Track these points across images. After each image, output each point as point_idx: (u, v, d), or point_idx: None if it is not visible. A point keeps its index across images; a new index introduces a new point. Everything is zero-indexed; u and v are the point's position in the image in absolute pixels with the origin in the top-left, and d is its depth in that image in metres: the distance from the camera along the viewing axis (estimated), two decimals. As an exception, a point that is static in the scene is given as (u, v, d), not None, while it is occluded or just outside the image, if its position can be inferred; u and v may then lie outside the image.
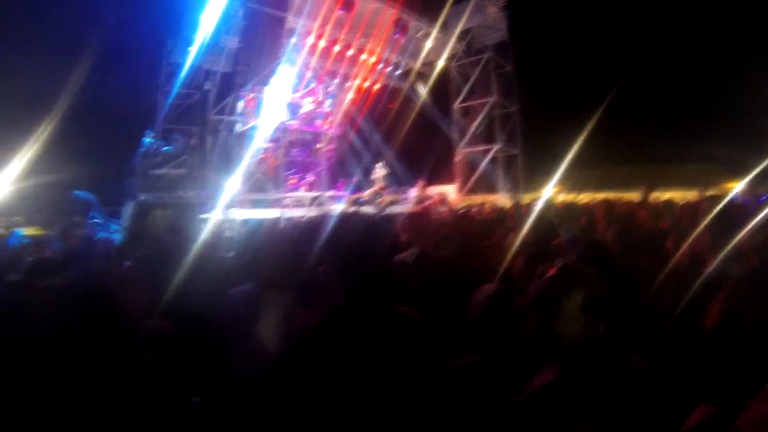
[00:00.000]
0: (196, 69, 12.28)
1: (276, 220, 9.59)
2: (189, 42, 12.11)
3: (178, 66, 12.05)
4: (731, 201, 7.55)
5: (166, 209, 9.06)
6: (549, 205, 7.52)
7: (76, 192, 9.86)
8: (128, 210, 9.39)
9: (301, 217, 9.35)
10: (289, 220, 9.13)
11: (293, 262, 2.54)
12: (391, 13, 14.09)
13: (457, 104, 17.53)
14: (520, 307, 2.01)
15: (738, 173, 13.58)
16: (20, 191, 9.64)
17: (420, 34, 15.21)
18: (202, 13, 11.90)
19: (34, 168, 9.00)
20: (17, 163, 9.00)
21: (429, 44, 15.42)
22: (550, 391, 1.62)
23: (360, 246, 1.96)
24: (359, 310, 1.87)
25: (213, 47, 12.23)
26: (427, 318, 2.00)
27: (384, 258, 2.21)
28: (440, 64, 16.44)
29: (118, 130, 10.75)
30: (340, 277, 1.96)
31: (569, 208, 9.14)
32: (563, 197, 14.21)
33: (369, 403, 1.71)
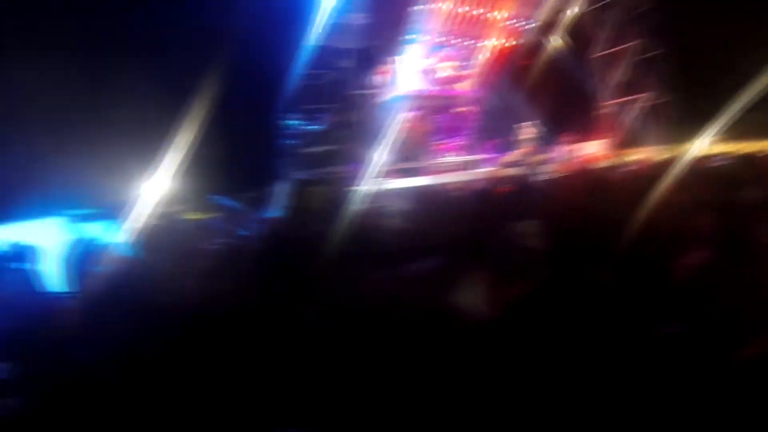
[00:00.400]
0: (328, 49, 12.51)
1: (440, 188, 9.16)
2: (317, 23, 12.37)
3: (310, 48, 12.37)
4: None
5: (322, 185, 9.13)
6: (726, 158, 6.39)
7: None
8: (282, 189, 9.62)
9: (467, 182, 8.89)
10: (457, 187, 8.69)
11: (479, 231, 2.48)
12: None
13: (597, 53, 16.12)
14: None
15: None
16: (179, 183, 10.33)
17: None
18: None
19: (188, 160, 9.63)
20: (174, 156, 9.64)
21: None
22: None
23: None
24: (565, 280, 1.80)
25: (343, 26, 12.36)
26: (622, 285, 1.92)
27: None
28: (575, 11, 15.25)
29: (258, 114, 11.26)
30: (540, 246, 1.98)
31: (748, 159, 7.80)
32: (726, 147, 12.52)
33: (584, 374, 1.64)
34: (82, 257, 3.33)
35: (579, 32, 15.80)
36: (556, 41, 15.50)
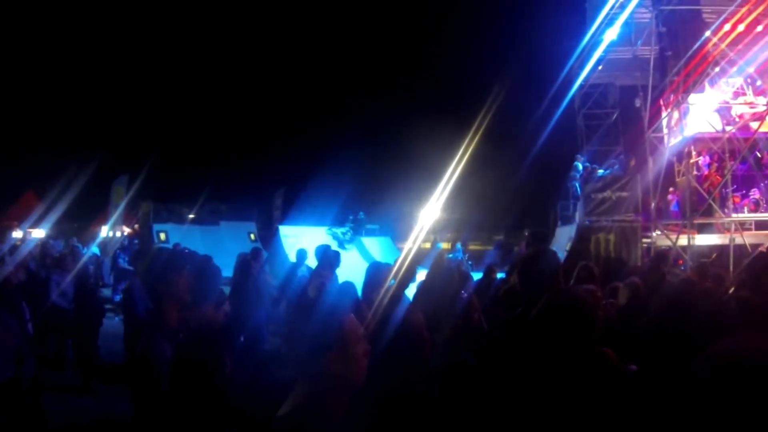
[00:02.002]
0: (609, 87, 12.05)
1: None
2: (597, 60, 12.02)
3: (591, 86, 12.05)
4: None
5: (608, 233, 8.91)
6: None
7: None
8: (567, 233, 9.60)
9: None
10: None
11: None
12: None
13: None
14: None
15: None
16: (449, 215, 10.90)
17: None
18: (609, 28, 11.68)
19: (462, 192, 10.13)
20: (445, 188, 10.22)
21: None
22: None
23: None
24: None
25: (629, 61, 11.80)
26: None
27: None
28: None
29: (543, 156, 11.38)
30: None
31: None
32: None
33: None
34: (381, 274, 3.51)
35: None
36: None
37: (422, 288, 4.00)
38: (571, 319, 2.09)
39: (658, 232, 9.28)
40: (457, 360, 3.11)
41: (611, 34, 11.93)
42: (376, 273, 3.29)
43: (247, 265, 6.42)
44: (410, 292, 3.67)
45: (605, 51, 11.93)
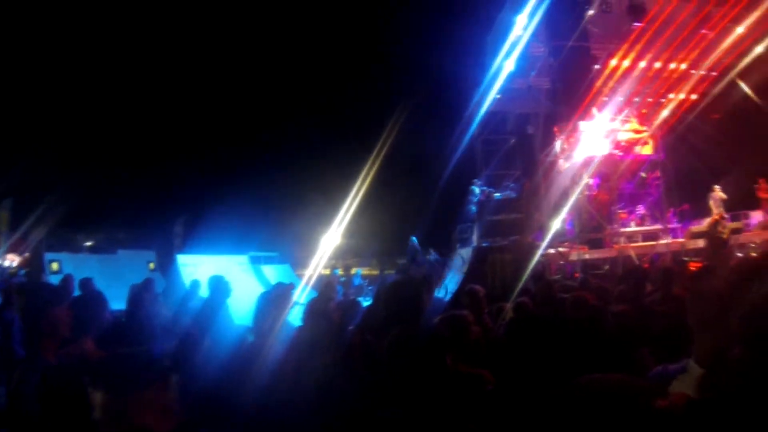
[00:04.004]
0: (507, 114, 12.63)
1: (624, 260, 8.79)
2: (497, 88, 12.60)
3: (489, 113, 12.59)
4: None
5: (504, 254, 9.15)
6: None
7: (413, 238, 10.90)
8: (463, 255, 9.78)
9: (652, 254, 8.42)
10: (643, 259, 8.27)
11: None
12: (690, 8, 12.69)
13: None
14: None
15: None
16: (351, 238, 10.94)
17: (729, 21, 13.00)
18: (506, 60, 12.32)
19: (362, 217, 10.22)
20: (346, 214, 10.26)
21: (741, 29, 12.94)
22: None
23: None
24: None
25: (526, 90, 12.47)
26: None
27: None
28: (758, 50, 13.35)
29: (440, 181, 11.68)
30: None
31: None
32: None
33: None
34: (275, 298, 3.58)
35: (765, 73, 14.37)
36: (743, 88, 14.12)
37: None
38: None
39: (552, 250, 9.70)
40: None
41: (509, 65, 12.58)
42: (269, 299, 3.36)
43: (138, 296, 6.11)
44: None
45: (504, 81, 12.60)
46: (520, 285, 6.76)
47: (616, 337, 3.32)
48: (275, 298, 3.46)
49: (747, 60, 13.78)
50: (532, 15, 12.05)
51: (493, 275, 8.92)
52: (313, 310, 3.59)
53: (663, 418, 1.71)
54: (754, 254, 9.57)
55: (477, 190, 10.54)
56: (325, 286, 6.70)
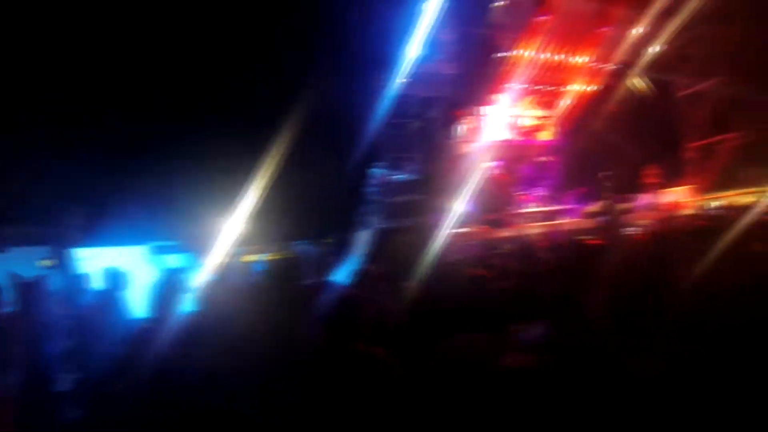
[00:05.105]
0: (412, 98, 12.75)
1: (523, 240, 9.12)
2: (404, 71, 12.66)
3: (398, 96, 12.63)
4: None
5: (405, 235, 9.22)
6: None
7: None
8: (365, 237, 9.80)
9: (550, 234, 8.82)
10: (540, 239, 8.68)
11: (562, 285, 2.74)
12: (593, 6, 13.46)
13: (681, 91, 15.67)
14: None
15: None
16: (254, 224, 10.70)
17: (627, 21, 14.10)
18: (413, 43, 12.41)
19: (267, 200, 10.00)
20: (250, 199, 10.02)
21: (639, 29, 14.07)
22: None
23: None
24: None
25: (430, 76, 12.60)
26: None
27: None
28: (656, 49, 14.84)
29: (343, 162, 11.56)
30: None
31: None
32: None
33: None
34: (167, 286, 3.62)
35: (663, 71, 15.45)
36: (638, 83, 15.31)
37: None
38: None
39: (455, 231, 9.92)
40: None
41: (416, 49, 12.66)
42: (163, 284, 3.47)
43: (28, 294, 5.73)
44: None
45: (411, 66, 12.70)
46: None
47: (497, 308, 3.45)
48: (166, 286, 3.50)
49: (643, 57, 14.82)
50: (440, 1, 12.23)
51: (394, 257, 8.98)
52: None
53: (507, 372, 1.75)
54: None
55: (378, 172, 10.59)
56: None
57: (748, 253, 3.44)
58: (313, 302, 2.80)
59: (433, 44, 12.79)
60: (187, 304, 3.60)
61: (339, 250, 9.60)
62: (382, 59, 12.61)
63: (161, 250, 13.85)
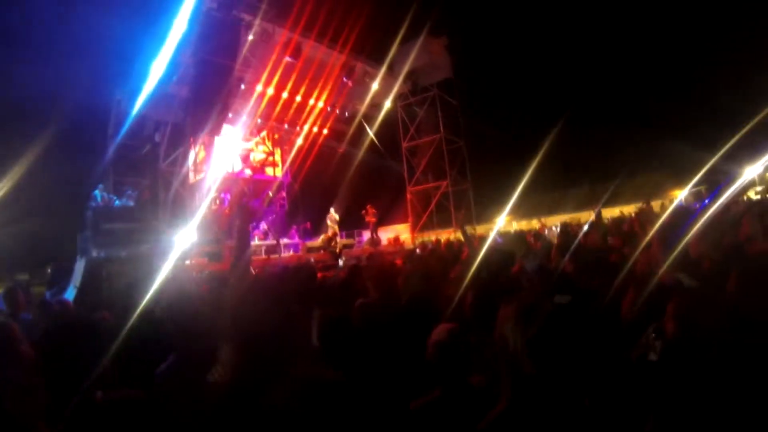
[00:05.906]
0: (145, 119, 12.00)
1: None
2: (138, 91, 11.83)
3: (128, 116, 11.76)
4: (678, 207, 8.06)
5: (120, 266, 8.72)
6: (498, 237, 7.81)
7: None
8: (80, 267, 9.03)
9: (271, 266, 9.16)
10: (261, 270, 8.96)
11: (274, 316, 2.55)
12: (339, 59, 14.34)
13: (405, 143, 18.00)
14: (475, 344, 2.03)
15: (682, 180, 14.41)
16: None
17: (367, 77, 15.47)
18: (152, 62, 11.67)
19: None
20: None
21: (376, 86, 15.63)
22: (501, 420, 1.63)
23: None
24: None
25: (163, 97, 12.00)
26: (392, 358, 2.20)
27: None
28: (387, 104, 16.84)
29: (72, 183, 10.37)
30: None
31: (519, 236, 9.51)
32: (516, 225, 14.85)
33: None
34: None
35: (391, 123, 17.49)
36: (368, 131, 16.80)
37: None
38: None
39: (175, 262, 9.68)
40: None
41: (158, 68, 11.82)
42: None
43: None
44: None
45: (153, 85, 11.81)
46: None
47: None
48: None
49: (374, 110, 16.64)
50: (190, 22, 11.64)
51: (109, 289, 8.41)
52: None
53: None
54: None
55: (99, 196, 9.74)
56: None
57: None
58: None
59: (172, 65, 12.19)
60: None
61: (55, 280, 8.60)
62: (120, 78, 11.62)
63: None
